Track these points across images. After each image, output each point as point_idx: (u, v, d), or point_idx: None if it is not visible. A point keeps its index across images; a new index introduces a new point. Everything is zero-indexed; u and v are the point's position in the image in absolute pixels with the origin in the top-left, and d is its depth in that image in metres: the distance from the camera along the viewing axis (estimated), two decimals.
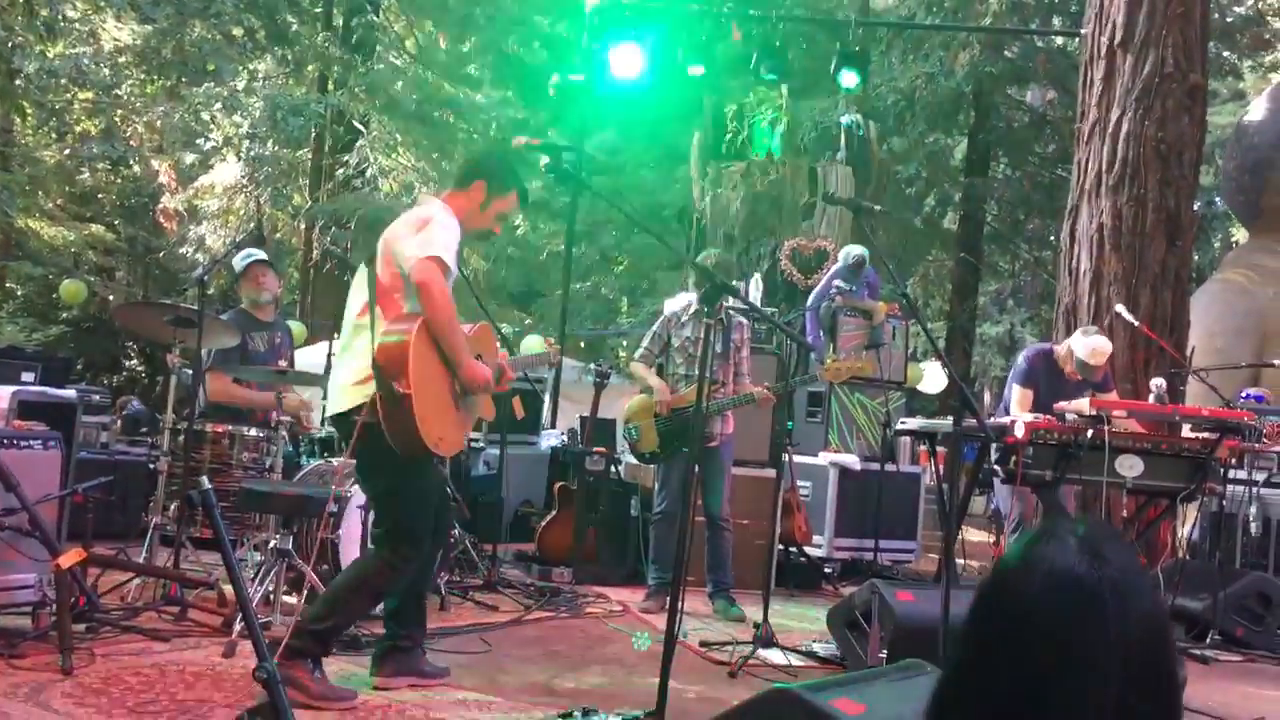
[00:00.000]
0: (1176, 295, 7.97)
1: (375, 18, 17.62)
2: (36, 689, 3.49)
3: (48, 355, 7.74)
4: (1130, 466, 5.27)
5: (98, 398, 7.55)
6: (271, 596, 4.53)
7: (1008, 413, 6.13)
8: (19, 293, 19.28)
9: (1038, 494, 5.84)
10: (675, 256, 15.25)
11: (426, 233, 3.70)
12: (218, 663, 4.01)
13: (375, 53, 17.80)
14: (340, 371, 3.87)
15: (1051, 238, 16.58)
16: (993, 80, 14.88)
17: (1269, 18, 17.20)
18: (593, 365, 7.61)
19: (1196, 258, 15.45)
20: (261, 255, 5.86)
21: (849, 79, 9.79)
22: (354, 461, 5.19)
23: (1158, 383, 6.25)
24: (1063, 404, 5.55)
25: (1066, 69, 14.03)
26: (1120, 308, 7.06)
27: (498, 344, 4.23)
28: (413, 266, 3.62)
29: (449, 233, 3.73)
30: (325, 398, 4.35)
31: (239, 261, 5.77)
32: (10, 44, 13.43)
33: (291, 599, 4.85)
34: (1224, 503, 6.12)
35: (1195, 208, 8.62)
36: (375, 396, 3.60)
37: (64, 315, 18.84)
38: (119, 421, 7.81)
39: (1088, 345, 6.11)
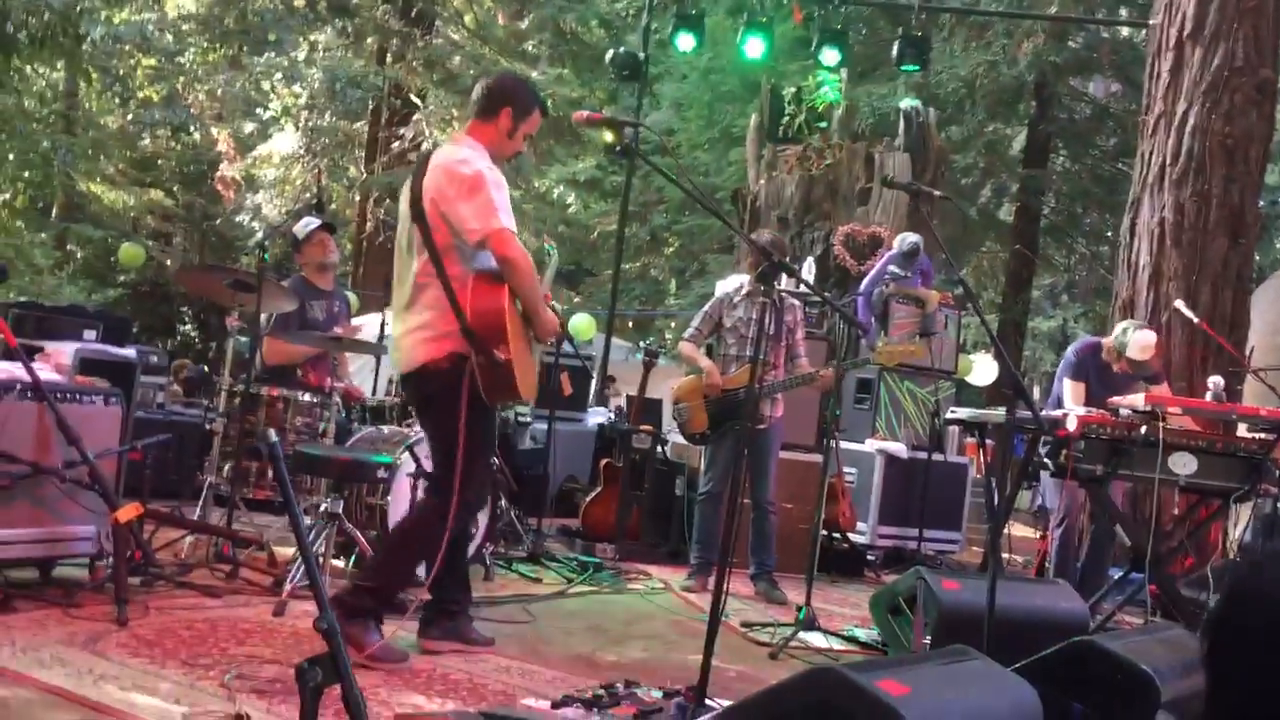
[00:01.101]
0: (1237, 293, 7.84)
1: None
2: (93, 638, 3.58)
3: (109, 315, 7.87)
4: (1184, 464, 5.19)
5: (155, 358, 7.69)
6: (321, 559, 4.60)
7: (1058, 407, 6.07)
8: (79, 254, 19.62)
9: (1086, 490, 5.78)
10: (727, 238, 15.22)
11: (482, 199, 3.72)
12: (268, 620, 4.08)
13: (434, 27, 17.89)
14: (410, 327, 3.87)
15: (1109, 232, 16.34)
16: (1056, 70, 14.64)
17: None
18: (642, 344, 7.63)
19: (1258, 256, 15.17)
20: (321, 223, 5.93)
21: (829, 57, 10.04)
22: (404, 430, 5.28)
23: (1215, 381, 6.15)
24: (1117, 399, 5.48)
25: (1132, 60, 13.80)
26: (1179, 303, 6.96)
27: None
28: (488, 243, 3.72)
29: (502, 191, 3.79)
30: (382, 363, 4.41)
31: (302, 228, 5.84)
32: (78, 8, 13.63)
33: (340, 562, 4.93)
34: (1278, 504, 6.02)
35: (1259, 205, 8.46)
36: (470, 363, 3.72)
37: (121, 278, 19.13)
38: (175, 383, 7.94)
39: (1136, 342, 6.04)
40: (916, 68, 10.48)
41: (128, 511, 3.99)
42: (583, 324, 12.71)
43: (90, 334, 6.76)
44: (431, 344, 3.81)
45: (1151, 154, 8.03)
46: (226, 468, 5.12)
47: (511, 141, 4.02)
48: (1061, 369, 6.38)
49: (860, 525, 7.44)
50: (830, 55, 10.07)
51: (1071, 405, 5.95)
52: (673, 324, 19.73)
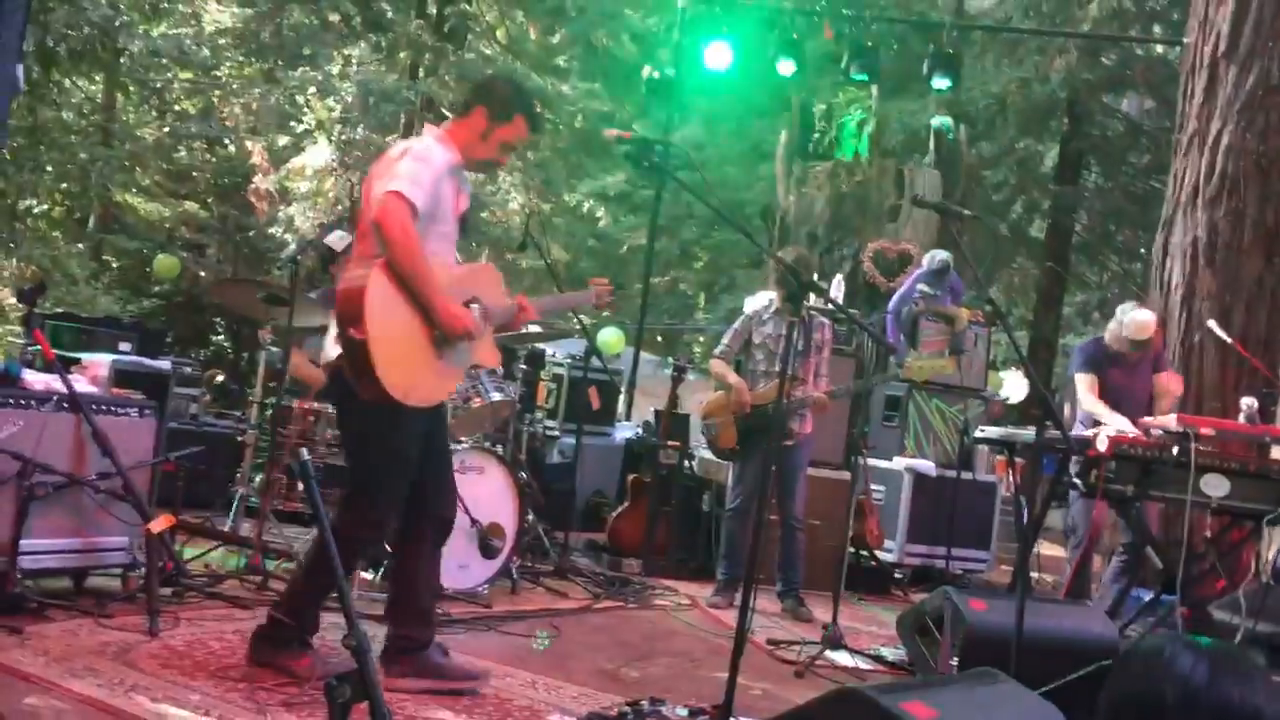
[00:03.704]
0: (1272, 314, 7.77)
1: (468, 7, 17.83)
2: (124, 649, 3.62)
3: (144, 327, 7.97)
4: (1216, 486, 5.15)
5: (189, 370, 7.77)
6: (350, 573, 4.62)
7: (1077, 410, 6.06)
8: (114, 265, 19.82)
9: (1118, 511, 5.73)
10: (756, 253, 15.21)
11: (394, 166, 3.44)
12: None
13: (466, 41, 18.01)
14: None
15: (1142, 250, 16.20)
16: (1089, 87, 14.56)
17: None
18: (671, 359, 7.64)
19: None
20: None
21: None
22: None
23: (1248, 402, 6.09)
24: (1148, 419, 5.44)
25: (1165, 78, 13.70)
26: (1212, 323, 6.89)
27: (501, 285, 3.86)
28: (373, 208, 3.39)
29: (419, 164, 3.44)
30: None
31: (338, 240, 5.88)
32: (117, 22, 13.81)
33: (368, 574, 4.96)
34: None
35: None
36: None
37: (155, 289, 19.31)
38: (208, 394, 8.02)
39: (1133, 322, 6.01)
40: (948, 85, 10.47)
41: (160, 523, 4.04)
42: (612, 338, 12.73)
43: (126, 346, 6.84)
44: (332, 345, 3.54)
45: (1185, 172, 7.98)
46: (258, 479, 5.17)
47: (484, 145, 3.66)
48: (1071, 366, 6.34)
49: (888, 543, 7.41)
50: (859, 72, 10.09)
51: (1088, 397, 5.93)
52: (701, 338, 19.73)
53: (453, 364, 3.63)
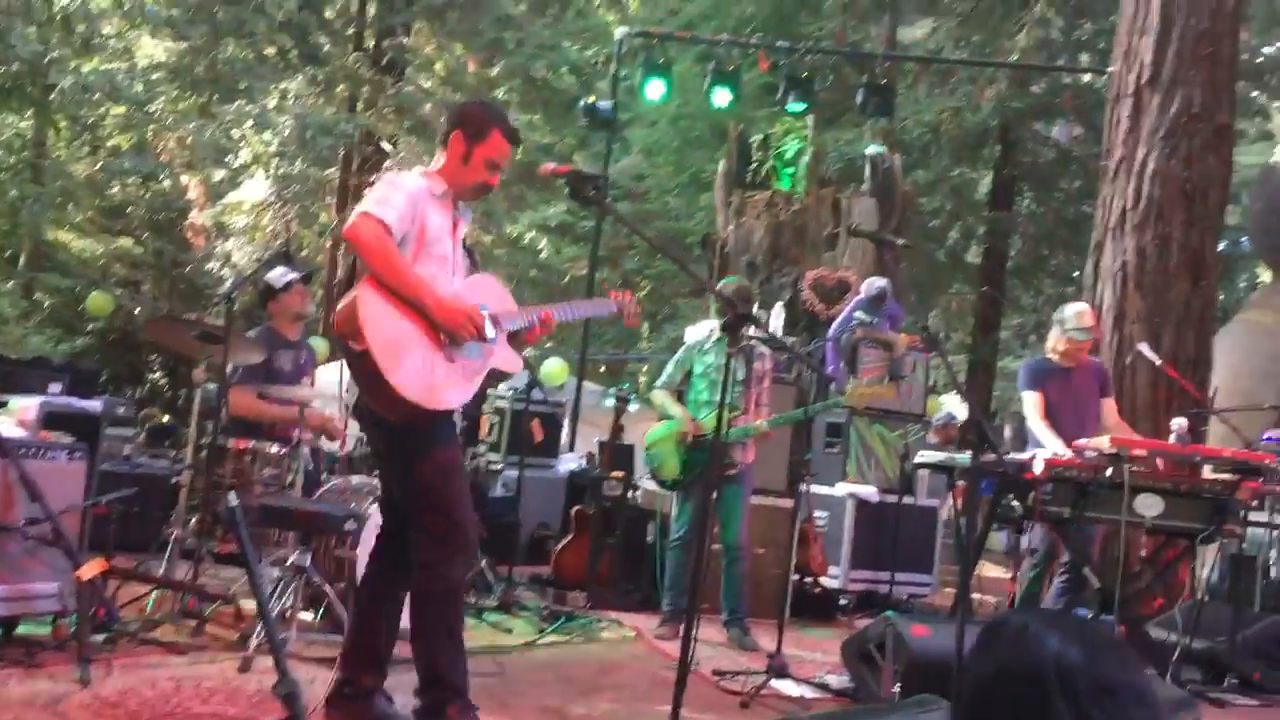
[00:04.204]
0: (1200, 335, 7.95)
1: (406, 40, 17.81)
2: (55, 699, 3.53)
3: (75, 367, 7.82)
4: (1150, 505, 5.24)
5: (122, 410, 7.63)
6: (289, 613, 4.56)
7: (1025, 431, 6.09)
8: (46, 303, 19.46)
9: (1056, 532, 5.81)
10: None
11: (370, 195, 3.45)
12: (233, 677, 4.03)
13: (405, 74, 17.98)
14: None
15: (1075, 273, 16.53)
16: (1019, 115, 14.90)
17: None
18: (613, 390, 7.64)
19: (1222, 297, 15.37)
20: (300, 274, 5.93)
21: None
22: (372, 480, 5.25)
23: (1179, 423, 6.22)
24: (1082, 441, 5.53)
25: (1093, 105, 14.03)
26: (1143, 346, 7.04)
27: (506, 293, 3.81)
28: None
29: (387, 187, 3.45)
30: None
31: (278, 278, 5.82)
32: (47, 59, 13.63)
33: (308, 616, 4.88)
34: (1243, 545, 6.08)
35: (1221, 247, 8.60)
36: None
37: (90, 327, 18.99)
38: (142, 434, 7.88)
39: (1071, 312, 6.07)
40: (882, 115, 10.64)
41: (91, 568, 3.95)
42: (555, 369, 12.70)
43: (56, 387, 6.70)
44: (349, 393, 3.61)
45: (1113, 198, 8.16)
46: (193, 521, 5.07)
47: (469, 168, 3.63)
48: (1019, 384, 6.30)
49: (832, 569, 7.44)
50: (795, 103, 10.23)
51: (1035, 416, 5.96)
52: (645, 368, 19.77)
53: (470, 362, 3.54)
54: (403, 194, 3.44)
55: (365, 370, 3.29)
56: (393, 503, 3.71)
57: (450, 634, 3.51)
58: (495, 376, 3.72)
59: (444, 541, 3.45)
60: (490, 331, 3.55)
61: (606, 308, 4.16)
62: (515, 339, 3.76)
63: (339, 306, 3.40)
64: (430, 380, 3.37)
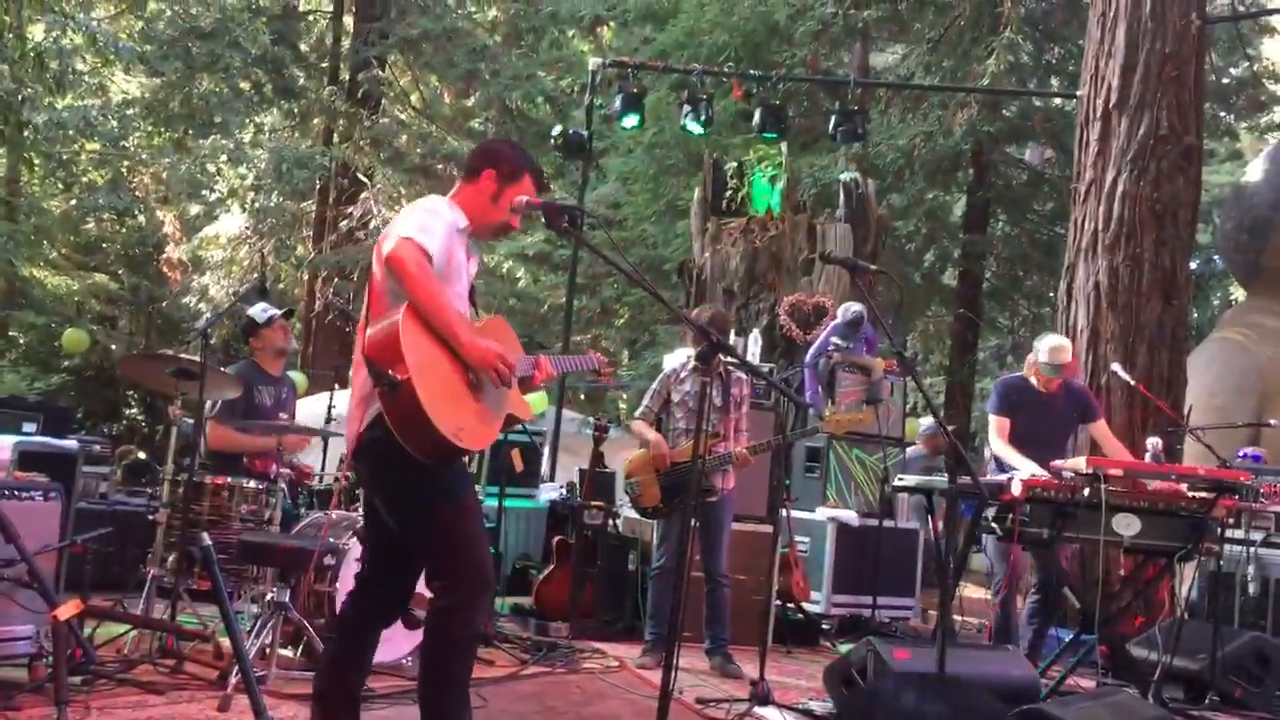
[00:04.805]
0: (1173, 354, 8.03)
1: (381, 72, 17.86)
2: None
3: (50, 405, 7.78)
4: (1127, 525, 5.27)
5: (98, 448, 7.58)
6: (268, 650, 4.53)
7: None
8: (21, 341, 19.35)
9: (1033, 553, 5.83)
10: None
11: (404, 219, 3.38)
12: (213, 716, 4.00)
13: (380, 106, 18.04)
14: (349, 404, 3.52)
15: (1050, 294, 16.64)
16: (991, 139, 15.02)
17: (1265, 80, 17.43)
18: (591, 419, 7.64)
19: (1195, 315, 15.53)
20: (281, 310, 5.95)
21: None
22: (351, 514, 5.23)
23: (1154, 442, 6.27)
24: (1059, 462, 5.56)
25: (1064, 128, 14.18)
26: (1116, 366, 7.10)
27: (515, 338, 3.77)
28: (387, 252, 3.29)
29: (428, 215, 3.38)
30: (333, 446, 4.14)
31: (260, 313, 5.83)
32: (20, 96, 13.61)
33: (288, 652, 4.85)
34: (1221, 562, 6.12)
35: (1193, 266, 8.71)
36: (379, 403, 3.21)
37: (65, 364, 18.88)
38: (119, 471, 7.83)
39: (1046, 345, 6.06)
40: (855, 141, 10.74)
41: (68, 609, 3.90)
42: (534, 398, 12.70)
43: (30, 426, 6.67)
44: (357, 411, 3.37)
45: (1084, 220, 8.25)
46: (170, 559, 5.04)
47: (496, 208, 3.58)
48: (989, 405, 6.31)
49: (814, 594, 7.45)
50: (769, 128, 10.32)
51: (996, 440, 5.97)
52: (625, 395, 19.77)
53: (493, 408, 3.47)
54: (443, 224, 3.39)
55: (402, 400, 3.16)
56: (382, 546, 3.56)
57: (468, 680, 3.44)
58: (508, 421, 3.65)
59: (469, 586, 3.34)
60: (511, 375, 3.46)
61: (587, 363, 4.21)
62: (522, 385, 3.69)
63: (372, 331, 3.30)
64: (461, 420, 3.28)
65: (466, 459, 3.60)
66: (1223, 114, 17.35)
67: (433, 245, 3.29)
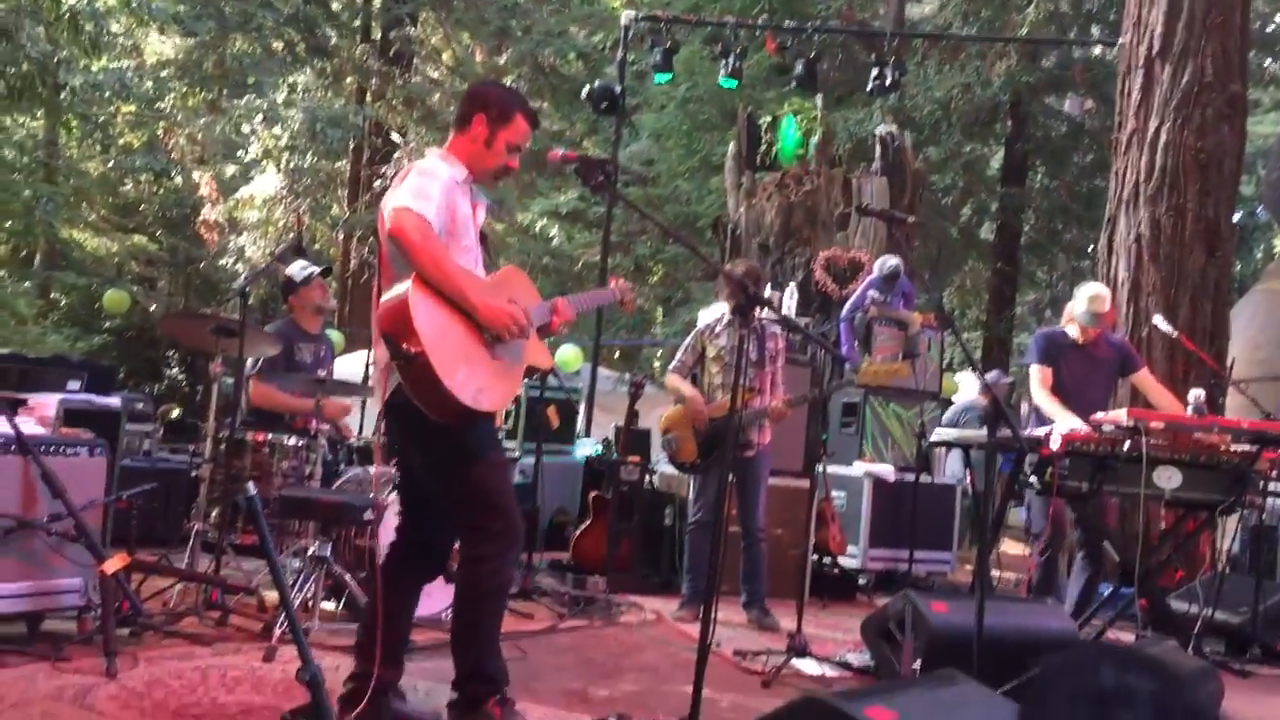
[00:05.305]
0: (1217, 306, 7.92)
1: (413, 30, 17.82)
2: (82, 691, 3.57)
3: (93, 364, 7.87)
4: (1168, 478, 5.22)
5: (141, 405, 7.68)
6: (311, 603, 4.59)
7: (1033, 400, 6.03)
8: (63, 302, 19.59)
9: (1073, 508, 5.79)
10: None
11: (403, 187, 3.36)
12: (258, 667, 4.07)
13: (413, 65, 18.01)
14: (375, 371, 3.58)
15: (1090, 247, 16.45)
16: (1030, 90, 14.80)
17: None
18: (627, 375, 7.65)
19: (1238, 267, 15.28)
20: (320, 268, 5.97)
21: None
22: (391, 469, 5.27)
23: (1196, 394, 6.18)
24: (1099, 415, 5.50)
25: (1104, 78, 13.95)
26: (1159, 318, 7.00)
27: (532, 286, 3.76)
28: (388, 225, 3.31)
29: (424, 178, 3.38)
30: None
31: (299, 271, 5.87)
32: (56, 59, 13.68)
33: (330, 605, 4.92)
34: (1263, 516, 6.06)
35: (1236, 218, 8.56)
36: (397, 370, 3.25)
37: (106, 324, 19.11)
38: (161, 429, 7.93)
39: (1084, 294, 5.97)
40: (891, 93, 10.60)
41: (115, 562, 3.98)
42: (569, 355, 12.71)
43: (74, 384, 6.74)
44: (382, 378, 3.43)
45: (1126, 171, 8.11)
46: (214, 514, 5.11)
47: (491, 152, 3.56)
48: (1028, 355, 6.25)
49: (851, 549, 7.44)
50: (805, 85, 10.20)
51: (1039, 390, 5.92)
52: (660, 353, 19.76)
53: (512, 363, 3.51)
54: (438, 185, 3.39)
55: (417, 372, 3.22)
56: (417, 501, 3.62)
57: (499, 629, 3.50)
58: (528, 372, 3.67)
59: (499, 537, 3.41)
60: (528, 327, 3.49)
61: (607, 296, 4.18)
62: (540, 333, 3.71)
63: (383, 304, 3.32)
64: (479, 382, 3.32)
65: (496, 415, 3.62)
66: (1268, 62, 16.96)
67: (429, 209, 3.30)
